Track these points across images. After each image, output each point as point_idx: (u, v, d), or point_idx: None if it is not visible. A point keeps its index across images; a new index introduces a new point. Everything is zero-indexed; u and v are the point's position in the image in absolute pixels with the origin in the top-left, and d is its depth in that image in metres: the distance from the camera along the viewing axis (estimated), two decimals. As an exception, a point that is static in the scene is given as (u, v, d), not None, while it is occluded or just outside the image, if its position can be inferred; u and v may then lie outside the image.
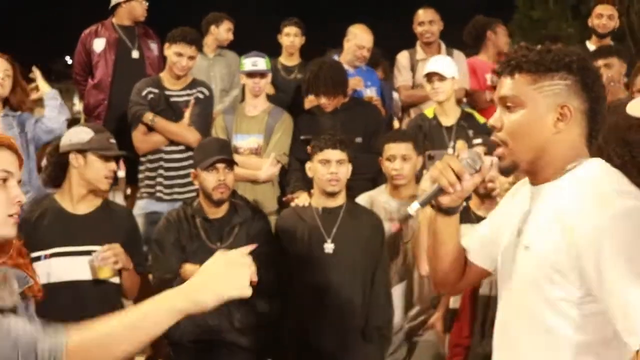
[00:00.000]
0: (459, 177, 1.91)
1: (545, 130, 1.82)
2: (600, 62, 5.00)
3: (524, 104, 1.83)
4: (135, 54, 5.32)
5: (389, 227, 3.82)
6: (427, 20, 5.57)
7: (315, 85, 4.67)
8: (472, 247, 2.12)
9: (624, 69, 4.82)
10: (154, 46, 5.41)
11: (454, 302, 3.68)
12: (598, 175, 1.79)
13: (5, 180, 1.78)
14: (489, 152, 3.56)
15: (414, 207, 1.94)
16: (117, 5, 5.36)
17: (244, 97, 5.12)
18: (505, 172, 1.91)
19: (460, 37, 6.00)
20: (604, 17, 5.82)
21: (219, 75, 5.61)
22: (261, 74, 4.74)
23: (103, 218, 3.45)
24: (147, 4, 5.41)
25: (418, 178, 3.96)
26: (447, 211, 2.00)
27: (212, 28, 5.96)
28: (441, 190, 1.93)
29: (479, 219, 3.69)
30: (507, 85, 1.86)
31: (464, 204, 3.81)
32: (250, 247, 1.69)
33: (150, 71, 5.30)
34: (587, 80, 1.83)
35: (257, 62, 4.72)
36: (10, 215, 1.79)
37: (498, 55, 5.70)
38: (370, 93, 5.23)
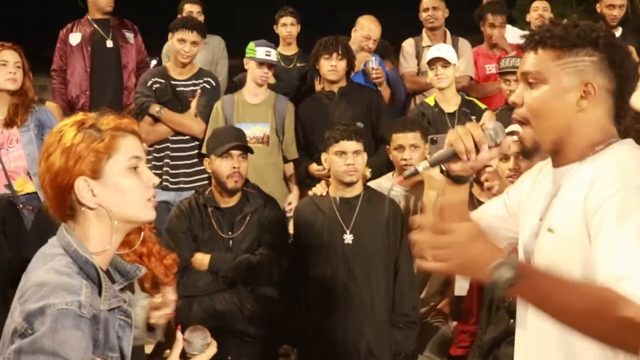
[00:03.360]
0: (477, 146, 1.83)
1: (568, 108, 1.75)
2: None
3: (547, 80, 1.76)
4: (109, 44, 5.47)
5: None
6: (431, 6, 5.59)
7: (326, 45, 4.71)
8: (480, 219, 2.01)
9: None
10: (129, 35, 5.56)
11: (461, 289, 3.70)
12: (626, 158, 1.70)
13: (135, 166, 1.78)
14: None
15: (422, 165, 1.86)
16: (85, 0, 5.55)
17: (231, 85, 5.17)
18: (526, 154, 1.83)
19: (465, 25, 6.00)
20: (615, 8, 5.83)
21: (201, 63, 5.61)
22: (271, 65, 4.75)
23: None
24: None
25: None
26: (456, 179, 1.93)
27: (186, 7, 5.94)
28: (455, 155, 1.84)
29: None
30: (530, 61, 1.79)
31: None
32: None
33: (126, 59, 5.49)
34: (614, 58, 1.74)
35: (270, 52, 4.72)
36: (149, 199, 1.80)
37: (491, 46, 5.72)
38: (373, 64, 5.21)
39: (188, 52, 4.87)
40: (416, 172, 1.86)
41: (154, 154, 4.86)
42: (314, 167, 4.56)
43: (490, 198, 3.63)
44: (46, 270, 1.70)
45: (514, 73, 4.64)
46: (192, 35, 4.86)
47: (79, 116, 1.82)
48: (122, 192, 1.76)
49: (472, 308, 3.46)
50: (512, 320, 3.21)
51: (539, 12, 6.13)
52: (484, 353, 3.26)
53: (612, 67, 1.74)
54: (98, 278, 1.72)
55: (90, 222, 1.76)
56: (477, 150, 1.83)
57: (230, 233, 3.66)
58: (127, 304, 1.79)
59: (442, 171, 1.94)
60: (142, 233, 1.90)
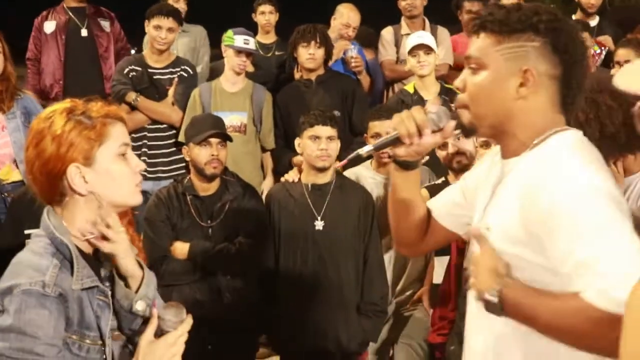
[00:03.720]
0: (419, 130, 1.80)
1: (507, 96, 1.69)
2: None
3: (486, 66, 1.71)
4: (84, 32, 5.43)
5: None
6: None
7: (304, 33, 4.71)
8: (437, 207, 2.03)
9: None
10: (105, 24, 5.52)
11: (440, 276, 3.72)
12: (565, 149, 1.65)
13: (124, 152, 1.83)
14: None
15: (365, 149, 1.84)
16: None
17: (213, 73, 5.15)
18: (465, 132, 1.80)
19: (444, 13, 6.00)
20: None
21: (181, 51, 5.58)
22: (249, 54, 4.73)
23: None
24: None
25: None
26: (403, 165, 1.90)
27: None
28: (398, 140, 1.82)
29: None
30: (472, 45, 1.76)
31: (443, 179, 3.87)
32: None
33: (102, 49, 5.45)
34: (558, 43, 1.68)
35: (249, 40, 4.71)
36: (137, 185, 1.85)
37: (469, 32, 5.72)
38: (352, 53, 5.21)
39: (164, 38, 4.84)
40: (358, 157, 1.85)
41: (131, 143, 4.81)
42: (297, 159, 4.56)
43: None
44: (24, 251, 1.79)
45: None
46: (168, 22, 4.83)
47: (67, 103, 1.84)
48: (113, 178, 1.81)
49: (450, 295, 3.48)
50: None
51: (513, 1, 6.14)
52: (463, 339, 3.28)
53: (555, 52, 1.68)
54: (71, 258, 1.76)
55: (78, 207, 1.81)
56: (420, 134, 1.80)
57: (209, 221, 3.64)
58: (106, 285, 1.83)
59: (389, 157, 1.93)
60: (128, 217, 1.93)
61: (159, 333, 1.79)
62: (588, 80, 2.50)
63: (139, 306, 1.84)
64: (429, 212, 2.03)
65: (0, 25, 4.42)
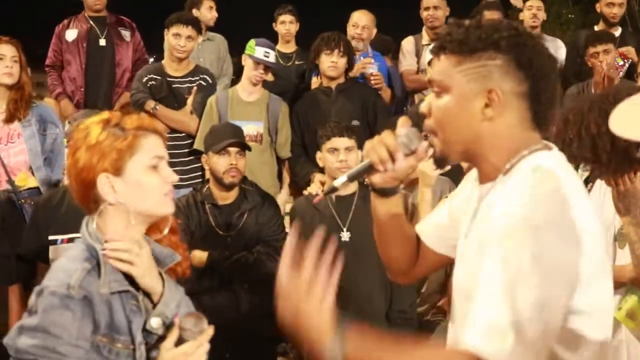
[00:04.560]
0: (391, 155, 1.73)
1: (473, 118, 1.59)
2: (599, 48, 5.07)
3: (449, 89, 1.61)
4: (102, 42, 5.49)
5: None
6: (432, 5, 5.58)
7: (328, 40, 4.70)
8: (425, 230, 1.93)
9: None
10: (125, 33, 5.58)
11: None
12: (530, 177, 1.51)
13: (156, 164, 1.88)
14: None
15: (340, 180, 1.77)
16: None
17: (234, 82, 5.14)
18: (438, 162, 1.71)
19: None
20: (615, 6, 5.81)
21: (208, 61, 5.62)
22: (268, 67, 4.71)
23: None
24: None
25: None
26: (382, 192, 1.82)
27: (194, 12, 5.91)
28: (372, 167, 1.74)
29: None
30: (434, 68, 1.66)
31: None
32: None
33: (119, 57, 5.51)
34: (521, 58, 1.57)
35: (269, 53, 4.68)
36: (166, 194, 1.89)
37: None
38: (372, 70, 5.19)
39: (183, 46, 4.84)
40: (335, 189, 1.78)
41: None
42: (319, 177, 4.45)
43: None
44: (63, 256, 1.88)
45: None
46: (187, 30, 4.84)
47: (105, 114, 1.91)
48: (142, 188, 1.86)
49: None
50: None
51: (533, 12, 6.09)
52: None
53: (520, 68, 1.57)
54: (98, 262, 1.82)
55: (109, 216, 1.87)
56: (393, 159, 1.73)
57: (227, 230, 3.64)
58: (138, 290, 1.87)
59: (367, 185, 1.86)
60: (170, 222, 1.98)
61: (180, 342, 1.80)
62: (603, 94, 2.48)
63: (154, 323, 1.86)
64: (418, 236, 1.95)
65: (17, 34, 4.45)
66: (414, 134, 1.72)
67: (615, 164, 2.43)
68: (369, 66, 5.14)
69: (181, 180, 4.75)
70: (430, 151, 1.72)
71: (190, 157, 4.81)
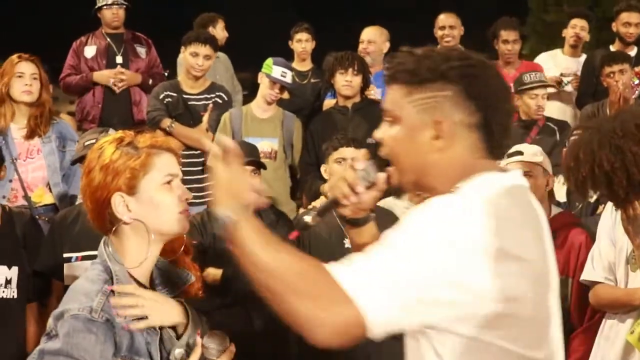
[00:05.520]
0: (353, 189, 1.76)
1: (422, 149, 1.58)
2: (615, 68, 5.06)
3: (400, 119, 1.61)
4: (119, 59, 5.52)
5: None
6: (447, 25, 5.60)
7: (342, 59, 4.71)
8: None
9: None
10: (141, 50, 5.62)
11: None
12: (448, 197, 1.50)
13: (169, 182, 1.87)
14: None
15: (310, 216, 1.79)
16: (97, 14, 5.63)
17: (245, 97, 5.16)
18: (394, 192, 1.76)
19: (478, 42, 5.97)
20: (632, 26, 5.79)
21: (224, 78, 5.64)
22: (284, 87, 4.73)
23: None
24: (120, 10, 5.61)
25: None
26: (353, 222, 1.86)
27: (210, 29, 5.96)
28: (337, 202, 1.80)
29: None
30: (386, 97, 1.66)
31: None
32: None
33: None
34: (472, 89, 1.54)
35: (286, 74, 4.70)
36: (181, 212, 1.88)
37: (506, 63, 5.70)
38: (376, 96, 5.20)
39: (201, 65, 4.86)
40: (307, 225, 1.80)
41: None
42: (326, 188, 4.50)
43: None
44: (81, 278, 1.87)
45: (542, 87, 4.81)
46: (205, 49, 4.86)
47: (119, 134, 1.92)
48: (156, 207, 1.86)
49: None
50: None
51: (576, 31, 6.03)
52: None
53: (470, 99, 1.55)
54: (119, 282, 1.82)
55: (126, 235, 1.87)
56: (355, 192, 1.77)
57: (242, 248, 3.62)
58: None
59: (339, 217, 1.90)
60: (184, 242, 1.98)
61: None
62: (610, 123, 2.46)
63: (177, 354, 1.86)
64: None
65: (32, 48, 4.49)
66: (371, 166, 1.78)
67: (634, 196, 2.42)
68: (371, 94, 5.15)
69: (196, 197, 4.74)
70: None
71: (205, 175, 4.81)
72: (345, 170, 1.77)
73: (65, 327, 1.72)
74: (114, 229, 1.87)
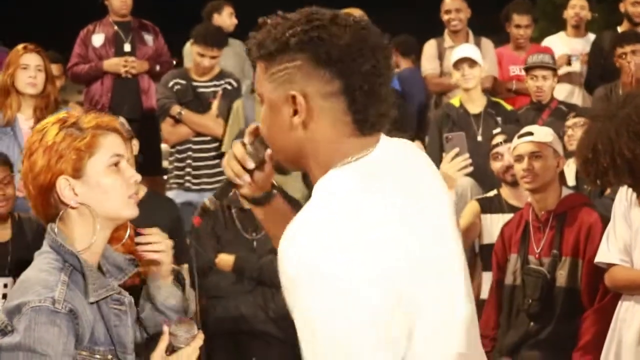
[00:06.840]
0: (243, 167, 1.62)
1: (284, 128, 1.43)
2: (627, 49, 4.99)
3: (262, 98, 1.48)
4: (127, 47, 5.47)
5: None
6: (453, 8, 5.54)
7: None
8: None
9: None
10: (148, 38, 5.56)
11: (487, 293, 3.65)
12: (319, 199, 1.36)
13: (117, 163, 1.79)
14: (509, 141, 3.55)
15: (209, 200, 1.71)
16: (103, 2, 5.58)
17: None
18: (278, 170, 1.65)
19: (487, 25, 5.95)
20: None
21: (230, 66, 5.62)
22: None
23: (147, 209, 3.44)
24: None
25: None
26: (255, 201, 1.71)
27: (215, 17, 5.94)
28: (231, 182, 1.68)
29: (511, 209, 3.67)
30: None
31: (495, 192, 3.80)
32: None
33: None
34: (319, 55, 1.37)
35: None
36: (130, 197, 1.80)
37: (517, 47, 5.66)
38: None
39: (207, 66, 4.93)
40: (205, 210, 1.71)
41: (176, 155, 4.89)
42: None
43: (519, 199, 3.61)
44: (31, 268, 1.76)
45: (542, 68, 4.76)
46: (211, 52, 4.89)
47: (62, 114, 1.83)
48: (104, 190, 1.76)
49: (491, 313, 3.42)
50: (532, 324, 3.18)
51: (576, 11, 5.94)
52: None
53: (324, 65, 1.38)
54: (82, 270, 1.73)
55: (73, 221, 1.77)
56: (247, 170, 1.63)
57: (254, 234, 3.66)
58: (120, 292, 1.83)
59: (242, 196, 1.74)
60: (129, 230, 1.90)
61: (171, 349, 1.77)
62: (623, 110, 2.43)
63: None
64: None
65: (35, 37, 4.49)
66: (259, 142, 1.63)
67: None
68: None
69: (207, 184, 4.84)
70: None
71: (216, 161, 4.84)
72: (236, 148, 1.64)
73: (24, 320, 1.62)
74: (60, 215, 1.77)
